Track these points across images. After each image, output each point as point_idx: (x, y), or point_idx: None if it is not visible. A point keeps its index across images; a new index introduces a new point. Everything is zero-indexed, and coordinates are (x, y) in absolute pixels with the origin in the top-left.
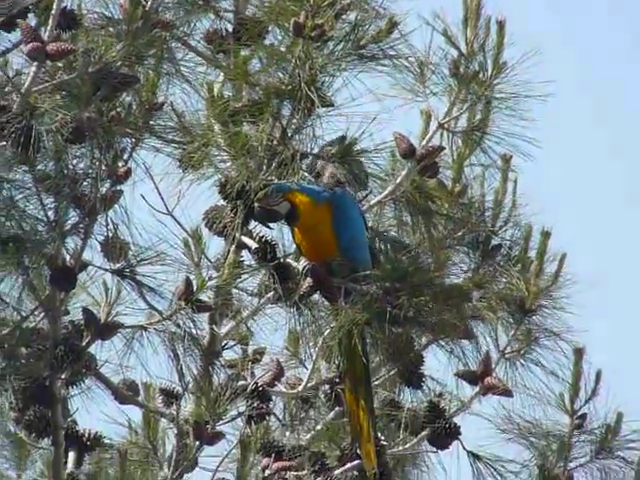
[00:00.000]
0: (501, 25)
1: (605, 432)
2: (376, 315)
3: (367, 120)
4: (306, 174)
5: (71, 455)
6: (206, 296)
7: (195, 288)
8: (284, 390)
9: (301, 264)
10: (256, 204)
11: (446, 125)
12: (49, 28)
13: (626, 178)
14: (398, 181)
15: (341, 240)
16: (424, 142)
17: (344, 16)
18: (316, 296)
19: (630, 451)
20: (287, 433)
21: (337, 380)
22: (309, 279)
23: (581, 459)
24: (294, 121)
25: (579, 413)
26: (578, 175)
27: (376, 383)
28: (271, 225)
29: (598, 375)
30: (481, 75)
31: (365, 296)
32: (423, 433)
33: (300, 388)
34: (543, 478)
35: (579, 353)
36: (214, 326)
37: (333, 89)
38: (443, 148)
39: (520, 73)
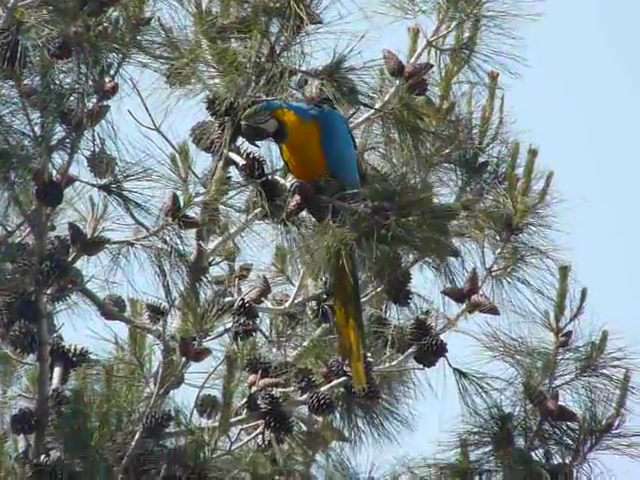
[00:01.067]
0: None
1: (590, 350)
2: (364, 234)
3: (356, 38)
4: (294, 91)
5: (56, 371)
6: (193, 212)
7: (182, 204)
8: (271, 307)
9: (289, 181)
10: (243, 122)
11: (434, 43)
12: None
13: (614, 94)
14: (386, 98)
15: (329, 158)
16: (412, 60)
17: None
18: (304, 213)
19: (615, 369)
20: (274, 350)
21: (324, 297)
22: (297, 196)
23: (566, 377)
24: (282, 38)
25: (564, 331)
26: (565, 94)
27: (363, 300)
28: (258, 143)
29: (583, 293)
30: None
31: (353, 214)
32: (409, 350)
33: (287, 305)
34: (528, 395)
35: (564, 271)
36: (201, 242)
37: (322, 6)
38: (431, 65)
39: None
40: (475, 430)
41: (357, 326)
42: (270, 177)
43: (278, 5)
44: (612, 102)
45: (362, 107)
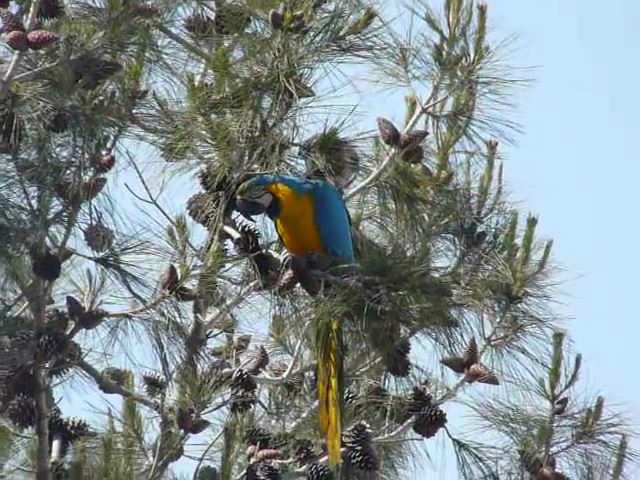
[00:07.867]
0: (482, 10)
1: (586, 416)
2: (355, 308)
3: (348, 110)
4: (288, 163)
5: (55, 444)
6: (190, 284)
7: (179, 276)
8: (269, 377)
9: (282, 255)
10: (238, 197)
11: (430, 110)
12: (30, 16)
13: (612, 163)
14: (382, 167)
15: (322, 232)
16: (408, 127)
17: (323, 6)
18: (297, 287)
19: (611, 435)
20: (272, 421)
21: None
22: (289, 271)
23: (562, 444)
24: (274, 112)
25: (560, 398)
26: (563, 160)
27: (362, 370)
28: (253, 217)
29: (578, 360)
30: (464, 60)
31: (344, 289)
32: (409, 421)
33: (285, 375)
34: (525, 464)
35: (558, 338)
36: (198, 314)
37: (313, 80)
38: (427, 133)
39: (502, 57)
40: None
41: (337, 401)
42: (264, 251)
43: (269, 80)
44: (611, 165)
45: (357, 176)
